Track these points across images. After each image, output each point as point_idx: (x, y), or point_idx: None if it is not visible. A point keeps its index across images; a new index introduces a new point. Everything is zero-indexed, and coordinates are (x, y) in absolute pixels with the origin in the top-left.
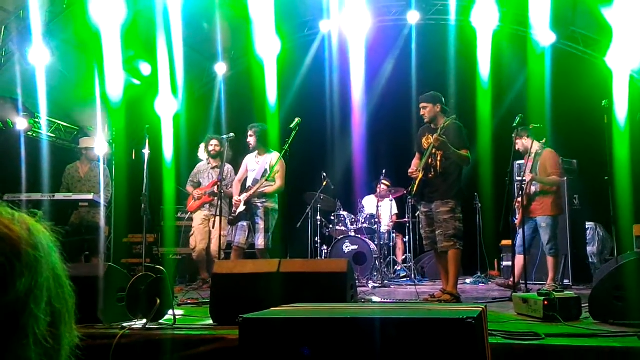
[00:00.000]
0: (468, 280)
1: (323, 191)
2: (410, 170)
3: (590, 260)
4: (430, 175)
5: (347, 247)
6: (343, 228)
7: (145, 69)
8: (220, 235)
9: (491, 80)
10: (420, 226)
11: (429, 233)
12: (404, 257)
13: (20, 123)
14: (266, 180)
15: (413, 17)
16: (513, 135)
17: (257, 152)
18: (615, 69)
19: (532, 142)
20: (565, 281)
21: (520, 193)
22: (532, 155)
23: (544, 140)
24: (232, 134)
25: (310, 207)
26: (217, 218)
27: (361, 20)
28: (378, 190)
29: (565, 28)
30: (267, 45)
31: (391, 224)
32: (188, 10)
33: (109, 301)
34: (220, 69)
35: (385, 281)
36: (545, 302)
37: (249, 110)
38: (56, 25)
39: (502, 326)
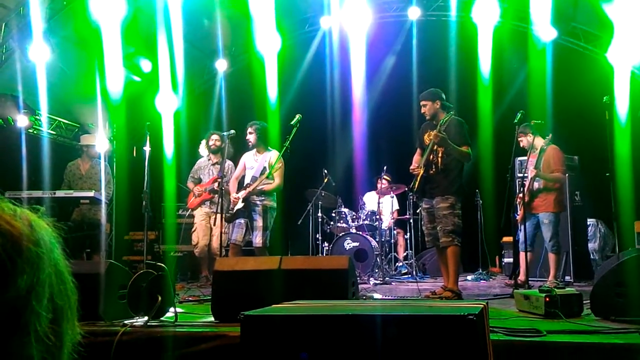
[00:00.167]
0: (469, 277)
1: (324, 188)
2: (411, 167)
3: (591, 256)
4: (431, 172)
5: (348, 244)
6: (344, 225)
7: (145, 65)
8: (221, 233)
9: (492, 77)
10: (422, 222)
11: (430, 229)
12: (405, 254)
13: (21, 120)
14: (266, 177)
15: (414, 13)
16: (517, 132)
17: (255, 150)
18: (617, 65)
19: (535, 138)
20: (567, 278)
21: (522, 189)
22: (537, 151)
23: (549, 137)
24: (232, 131)
25: (311, 204)
26: (218, 215)
27: (362, 16)
28: (379, 186)
29: (566, 24)
30: (268, 42)
31: (392, 220)
32: (188, 7)
33: (110, 298)
34: (221, 65)
35: (387, 278)
36: (547, 299)
37: (249, 107)
38: (56, 22)
39: (503, 323)
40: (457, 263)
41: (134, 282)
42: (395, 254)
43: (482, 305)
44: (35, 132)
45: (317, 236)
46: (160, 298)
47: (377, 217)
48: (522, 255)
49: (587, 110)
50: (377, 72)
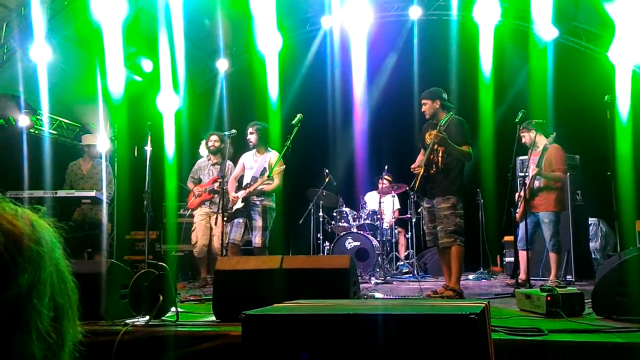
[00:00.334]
0: (470, 276)
1: (325, 187)
2: (412, 166)
3: (593, 256)
4: (432, 171)
5: (349, 243)
6: (345, 224)
7: (146, 65)
8: (222, 232)
9: (493, 76)
10: (423, 222)
11: (431, 229)
12: (406, 253)
13: (23, 120)
14: (267, 177)
15: (415, 12)
16: (519, 128)
17: (255, 150)
18: (618, 64)
19: (538, 136)
20: (568, 277)
21: (524, 187)
22: (539, 149)
23: (553, 136)
24: (234, 131)
25: (313, 204)
26: (219, 215)
27: (363, 16)
28: (380, 185)
29: (567, 23)
30: (269, 42)
31: (393, 220)
32: (189, 7)
33: (111, 298)
34: (222, 65)
35: (388, 277)
36: (548, 298)
37: (250, 106)
38: (58, 22)
39: (504, 322)
40: (460, 262)
41: (135, 282)
42: (396, 253)
43: (483, 305)
44: (36, 132)
45: (319, 235)
46: (161, 297)
47: (379, 216)
48: (521, 253)
49: (588, 109)
50: (378, 71)
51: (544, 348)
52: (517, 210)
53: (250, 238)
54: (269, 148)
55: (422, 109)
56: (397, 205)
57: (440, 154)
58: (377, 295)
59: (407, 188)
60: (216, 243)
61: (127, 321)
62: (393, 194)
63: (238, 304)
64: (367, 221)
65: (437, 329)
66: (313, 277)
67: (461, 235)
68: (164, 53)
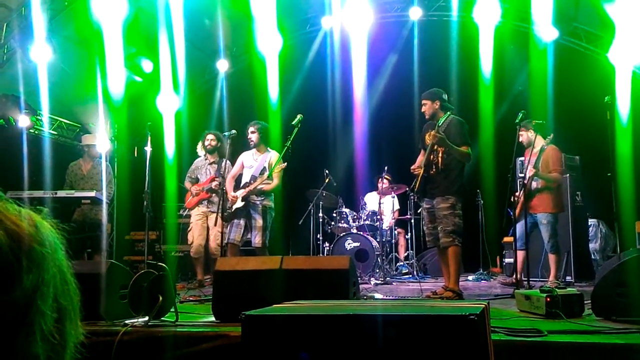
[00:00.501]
0: (470, 277)
1: (325, 188)
2: (412, 167)
3: (592, 257)
4: (432, 172)
5: (349, 244)
6: (345, 225)
7: (147, 66)
8: (222, 232)
9: (493, 77)
10: (423, 223)
11: (431, 229)
12: (406, 254)
13: (23, 120)
14: (267, 177)
15: (415, 13)
16: (518, 127)
17: (256, 149)
18: (618, 65)
19: (536, 136)
20: (568, 278)
21: (522, 188)
22: (536, 150)
23: (550, 137)
24: (234, 131)
25: (312, 204)
26: (215, 214)
27: (363, 16)
28: (380, 186)
29: (567, 24)
30: (269, 42)
31: (393, 220)
32: (189, 7)
33: (111, 298)
34: (222, 66)
35: (387, 278)
36: (548, 299)
37: (250, 107)
38: (58, 23)
39: (504, 323)
40: (458, 263)
41: (135, 282)
42: (396, 254)
43: (483, 306)
44: (36, 132)
45: (318, 236)
46: (161, 298)
47: (378, 217)
48: (519, 253)
49: (588, 110)
50: (378, 72)
51: (544, 349)
52: (515, 211)
53: (250, 238)
54: (268, 148)
55: (422, 110)
56: (397, 206)
57: (440, 155)
58: (377, 296)
59: (407, 189)
60: (213, 243)
61: (126, 321)
62: (393, 194)
63: (238, 304)
64: (366, 222)
65: (437, 329)
66: (313, 278)
67: (459, 236)
68: (164, 53)
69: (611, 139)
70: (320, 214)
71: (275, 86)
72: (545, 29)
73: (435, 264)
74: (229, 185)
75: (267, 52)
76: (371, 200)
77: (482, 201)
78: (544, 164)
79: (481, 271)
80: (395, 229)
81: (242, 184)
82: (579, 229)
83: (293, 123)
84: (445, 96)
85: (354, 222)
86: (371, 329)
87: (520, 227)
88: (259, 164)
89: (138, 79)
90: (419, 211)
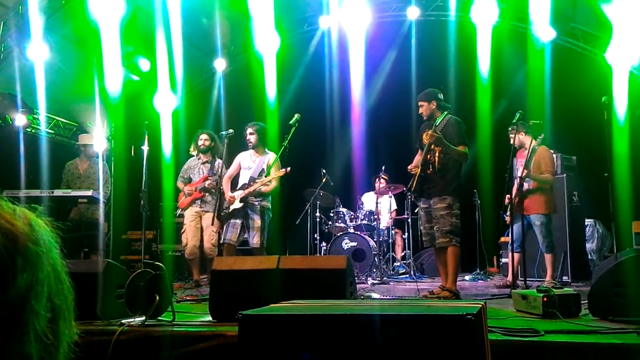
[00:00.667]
0: (467, 277)
1: (322, 188)
2: (409, 167)
3: (589, 257)
4: (429, 171)
5: (346, 243)
6: (342, 225)
7: (144, 64)
8: (219, 232)
9: (491, 77)
10: (420, 222)
11: (428, 229)
12: (403, 253)
13: (19, 119)
14: (265, 176)
15: (413, 13)
16: (509, 129)
17: (254, 150)
18: (615, 65)
19: (526, 137)
20: (565, 278)
21: (515, 189)
22: (527, 150)
23: (541, 137)
24: (231, 130)
25: (310, 204)
26: (209, 214)
27: (361, 16)
28: (377, 186)
29: (565, 24)
30: (267, 41)
31: (390, 220)
32: (187, 6)
33: (107, 298)
34: (220, 65)
35: (385, 278)
36: (545, 299)
37: (248, 106)
38: (55, 21)
39: (501, 323)
40: (456, 263)
41: (131, 282)
42: (393, 253)
43: (480, 305)
44: (33, 131)
45: (315, 236)
46: (157, 297)
47: (375, 216)
48: (510, 255)
49: (585, 110)
50: (375, 72)
51: (541, 349)
52: (507, 214)
53: (247, 238)
54: (266, 150)
55: (420, 111)
56: (394, 206)
57: (437, 154)
58: (374, 295)
59: (404, 189)
60: (207, 243)
61: (123, 321)
62: (390, 194)
63: (234, 304)
64: (364, 221)
65: (434, 329)
66: (310, 278)
67: (457, 236)
68: (162, 52)
69: (608, 139)
70: (318, 214)
71: (272, 85)
72: (542, 29)
73: (432, 263)
74: (226, 185)
75: (264, 51)
76: (368, 200)
77: (479, 201)
78: (535, 164)
79: (478, 271)
80: (392, 229)
81: (239, 185)
82: (576, 229)
83: (290, 122)
84: (441, 95)
85: (351, 221)
86: (368, 328)
87: (516, 228)
88: (258, 166)
89: (135, 77)
90: (416, 211)
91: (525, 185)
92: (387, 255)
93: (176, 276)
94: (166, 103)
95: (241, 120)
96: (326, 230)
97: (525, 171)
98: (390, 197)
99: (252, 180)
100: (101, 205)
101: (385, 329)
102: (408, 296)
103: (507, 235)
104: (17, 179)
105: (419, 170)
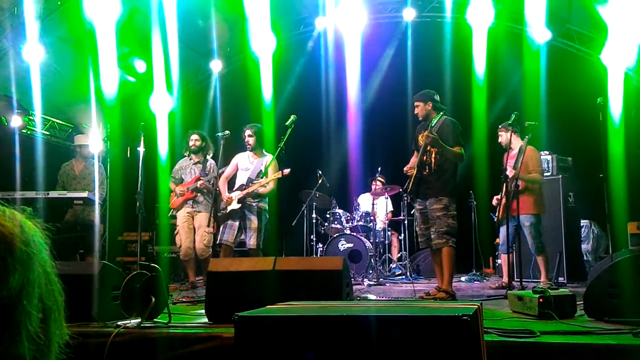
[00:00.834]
0: (463, 278)
1: (318, 189)
2: (405, 168)
3: (585, 257)
4: (425, 172)
5: (342, 245)
6: (338, 226)
7: (140, 66)
8: (214, 233)
9: (487, 78)
10: (416, 223)
11: (423, 230)
12: (399, 255)
13: (15, 120)
14: (262, 177)
15: (409, 14)
16: (499, 128)
17: (252, 152)
18: (610, 67)
19: (514, 137)
20: (560, 279)
21: (503, 191)
22: (515, 151)
23: (528, 137)
24: (227, 132)
25: (306, 205)
26: (201, 214)
27: (357, 17)
28: (373, 187)
29: (560, 25)
30: (263, 43)
31: (386, 221)
32: (183, 7)
33: (103, 299)
34: (216, 66)
35: (381, 279)
36: (540, 300)
37: (244, 107)
38: (51, 22)
39: (497, 324)
40: (452, 264)
41: (127, 283)
42: (389, 255)
43: (476, 306)
44: (28, 132)
45: (312, 237)
46: (153, 299)
47: (372, 218)
48: (503, 257)
49: (580, 111)
50: (371, 73)
51: (536, 350)
52: (497, 215)
53: (244, 239)
54: (264, 151)
55: (415, 111)
56: (390, 207)
57: (433, 156)
58: (370, 296)
59: (401, 190)
60: (200, 244)
61: (119, 323)
62: (386, 195)
63: (231, 305)
64: (360, 223)
65: (430, 330)
66: (306, 279)
67: (453, 237)
68: (158, 53)
69: (603, 140)
70: (314, 215)
71: (269, 87)
72: (538, 31)
73: (428, 265)
74: (223, 186)
75: (260, 53)
76: (364, 201)
77: (474, 202)
78: (523, 165)
79: (474, 272)
80: (388, 230)
81: (237, 186)
82: (571, 230)
83: (287, 123)
84: (437, 97)
85: (347, 223)
86: (365, 330)
87: (503, 231)
88: (256, 167)
89: (131, 79)
90: (412, 212)
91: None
92: (384, 257)
93: (172, 278)
94: (162, 104)
95: (237, 122)
96: (322, 231)
97: (514, 172)
98: (387, 198)
99: (250, 181)
100: (97, 207)
101: (381, 330)
102: (404, 297)
103: (498, 237)
104: (12, 180)
105: (415, 172)
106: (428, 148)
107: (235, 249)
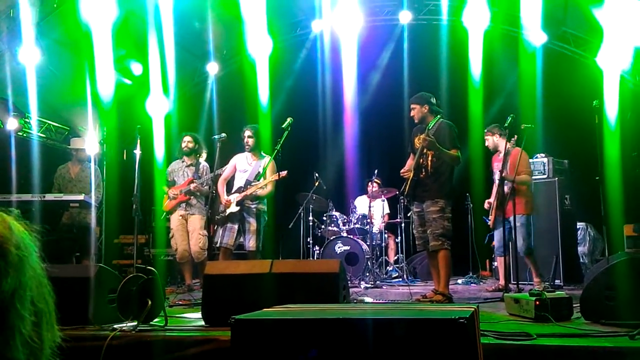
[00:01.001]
0: (460, 281)
1: (315, 191)
2: (402, 170)
3: (581, 260)
4: (422, 175)
5: (339, 247)
6: (335, 228)
7: (136, 68)
8: (211, 236)
9: (483, 80)
10: (413, 226)
11: (421, 233)
12: (395, 257)
13: (11, 123)
14: (261, 179)
15: (405, 17)
16: (485, 131)
17: (250, 154)
18: (606, 69)
19: (500, 139)
20: (557, 281)
21: (493, 194)
22: (502, 155)
23: (514, 139)
24: (223, 135)
25: (303, 208)
26: (195, 217)
27: (353, 20)
28: (370, 190)
29: (556, 28)
30: (259, 45)
31: (383, 224)
32: (179, 10)
33: (99, 302)
34: (212, 68)
35: (378, 282)
36: (537, 302)
37: (240, 110)
38: (47, 25)
39: (493, 326)
40: (448, 267)
41: (123, 286)
42: (386, 257)
43: (472, 309)
44: (24, 135)
45: (308, 240)
46: (150, 302)
47: (368, 220)
48: (499, 260)
49: (576, 114)
50: (368, 75)
51: (533, 352)
52: (490, 218)
53: (243, 242)
54: (262, 152)
55: (411, 114)
56: (387, 210)
57: (429, 158)
58: (367, 299)
59: (397, 192)
60: (195, 247)
61: (115, 326)
62: (383, 198)
63: (227, 308)
64: (356, 225)
65: (427, 333)
66: (303, 282)
67: (449, 239)
68: (154, 56)
69: (599, 143)
70: (311, 218)
71: (265, 89)
72: (534, 33)
73: (425, 267)
74: (222, 188)
75: (257, 55)
76: (361, 204)
77: (471, 205)
78: (511, 167)
79: (471, 274)
80: (385, 233)
81: (235, 189)
82: (568, 232)
83: (283, 126)
84: (433, 100)
85: (344, 225)
86: (361, 332)
87: (498, 234)
88: (254, 169)
89: (127, 81)
90: (409, 215)
91: (505, 189)
92: (380, 259)
93: (168, 280)
94: (158, 107)
95: (234, 124)
96: (319, 234)
97: (503, 174)
98: (383, 200)
99: (248, 183)
100: (93, 210)
101: (378, 333)
102: (401, 300)
103: (487, 241)
104: (8, 183)
105: (411, 174)
106: (425, 151)
107: (234, 252)
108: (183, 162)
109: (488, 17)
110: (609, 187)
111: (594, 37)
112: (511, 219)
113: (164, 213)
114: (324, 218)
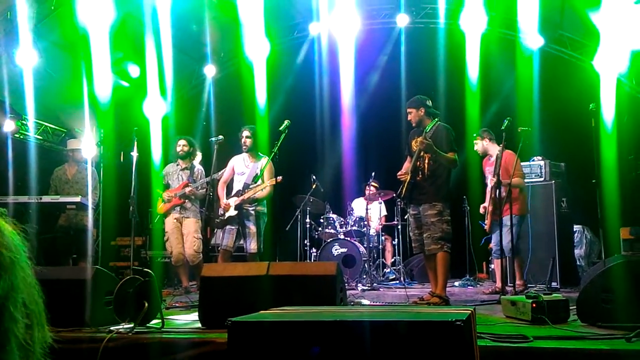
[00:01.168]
0: (457, 283)
1: (312, 194)
2: (399, 173)
3: (578, 263)
4: (419, 178)
5: (336, 249)
6: (332, 231)
7: (133, 70)
8: (208, 239)
9: (480, 83)
10: (409, 229)
11: (417, 236)
12: (393, 259)
13: (8, 125)
14: (259, 180)
15: (402, 20)
16: (474, 136)
17: (248, 155)
18: (603, 73)
19: (490, 144)
20: (553, 284)
21: (487, 198)
22: (493, 159)
23: (503, 143)
24: (220, 137)
25: (300, 210)
26: (189, 220)
27: (350, 23)
28: (367, 192)
29: (553, 32)
30: (257, 48)
31: (380, 226)
32: (177, 12)
33: (96, 304)
34: (210, 71)
35: (375, 284)
36: (534, 305)
37: (238, 112)
38: (44, 27)
39: (490, 329)
40: (446, 269)
41: (120, 288)
42: (383, 259)
43: (469, 311)
44: (21, 137)
45: (306, 242)
46: (146, 304)
47: (365, 223)
48: (496, 262)
49: (573, 117)
50: (365, 78)
51: (529, 355)
52: (486, 223)
53: (242, 244)
54: (259, 153)
55: (408, 118)
56: (384, 212)
57: (426, 161)
58: (364, 301)
59: (394, 195)
60: (189, 250)
61: (111, 328)
62: (380, 200)
63: (224, 310)
64: (353, 228)
65: (424, 335)
66: (300, 284)
67: (448, 242)
68: (151, 58)
69: (596, 146)
70: (308, 220)
71: (262, 91)
72: (531, 37)
73: (422, 269)
74: (221, 192)
75: (254, 58)
76: (358, 206)
77: (468, 207)
78: (503, 170)
79: (467, 277)
80: (382, 235)
81: (234, 192)
82: (564, 235)
83: (280, 129)
84: (429, 102)
85: (341, 227)
86: (358, 335)
87: (495, 237)
88: (251, 171)
89: (125, 83)
90: (405, 217)
91: (502, 192)
92: (377, 262)
93: (165, 282)
94: (156, 109)
95: (231, 127)
96: (316, 236)
97: (495, 179)
98: (380, 203)
99: (247, 186)
100: (90, 212)
101: (375, 335)
102: (398, 302)
103: (491, 243)
104: (5, 185)
105: (408, 177)
106: (422, 154)
107: (233, 254)
108: (178, 165)
109: (485, 20)
110: (605, 190)
111: (591, 40)
112: (503, 218)
113: (159, 215)
114: (321, 220)
